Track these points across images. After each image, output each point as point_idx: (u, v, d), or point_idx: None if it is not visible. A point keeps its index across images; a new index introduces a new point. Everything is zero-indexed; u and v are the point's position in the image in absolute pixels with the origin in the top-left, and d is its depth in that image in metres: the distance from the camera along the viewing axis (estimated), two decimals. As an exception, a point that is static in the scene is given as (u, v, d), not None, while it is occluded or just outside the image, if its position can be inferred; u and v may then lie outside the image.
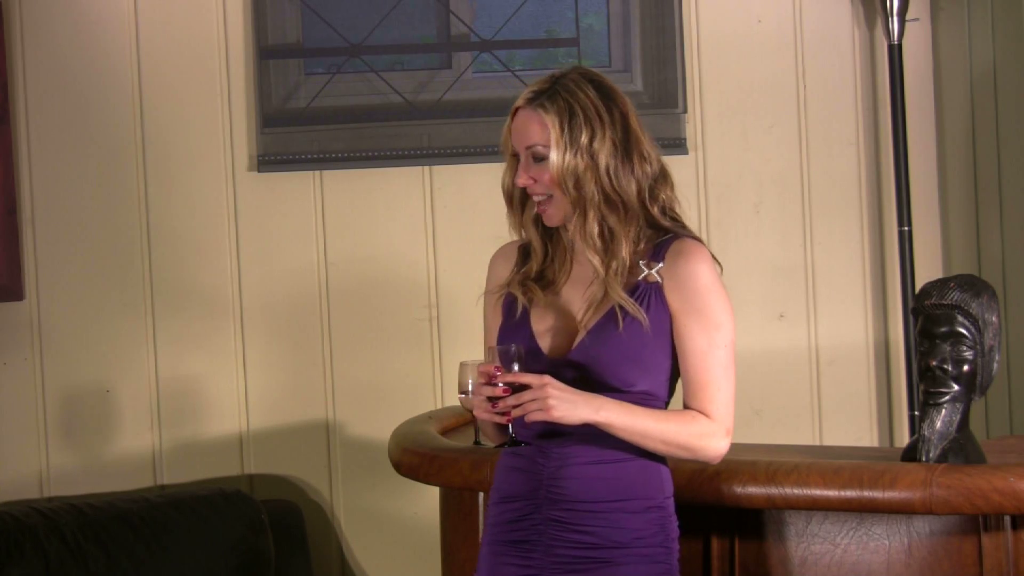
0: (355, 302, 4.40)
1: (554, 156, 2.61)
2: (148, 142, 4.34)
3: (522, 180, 2.65)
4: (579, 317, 2.67)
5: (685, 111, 4.45)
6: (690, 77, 4.47)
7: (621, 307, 2.62)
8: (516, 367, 2.57)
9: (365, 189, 4.41)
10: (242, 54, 4.37)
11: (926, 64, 4.55)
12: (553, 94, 2.64)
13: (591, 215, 2.63)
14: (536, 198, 2.67)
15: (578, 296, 2.69)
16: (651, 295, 2.63)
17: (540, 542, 2.66)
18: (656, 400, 2.65)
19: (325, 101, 4.38)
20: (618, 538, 2.62)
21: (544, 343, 2.68)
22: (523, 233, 2.76)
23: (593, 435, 2.61)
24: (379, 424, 4.12)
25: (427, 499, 4.00)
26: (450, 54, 4.47)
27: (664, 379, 2.65)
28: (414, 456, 3.25)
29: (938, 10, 4.52)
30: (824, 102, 4.52)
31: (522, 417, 2.55)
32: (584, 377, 2.62)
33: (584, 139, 2.61)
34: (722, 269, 2.68)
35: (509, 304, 2.75)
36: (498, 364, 2.57)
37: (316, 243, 4.39)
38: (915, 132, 4.50)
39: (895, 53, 4.41)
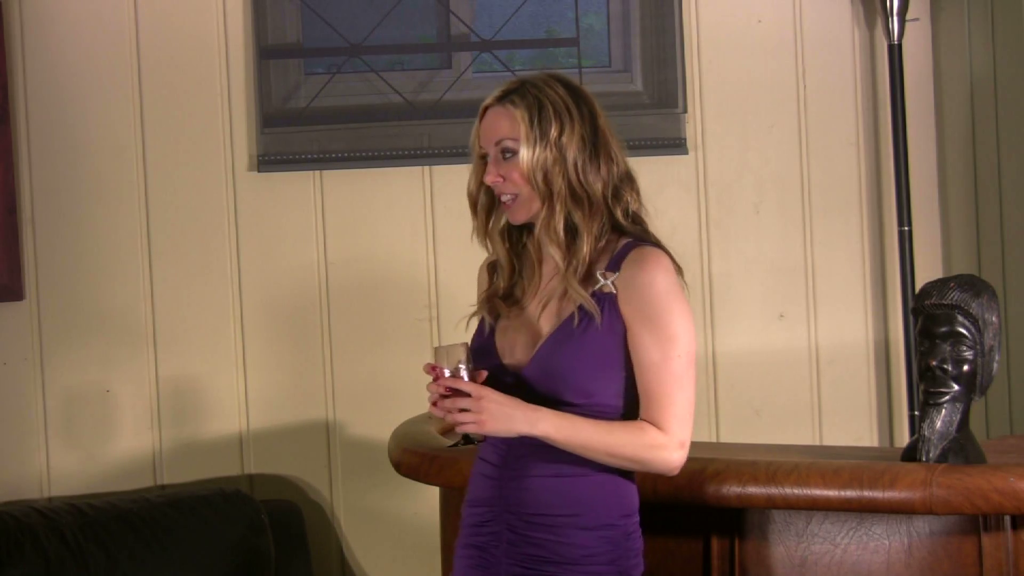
0: (355, 302, 4.40)
1: (523, 151, 2.61)
2: (148, 142, 4.34)
3: (491, 177, 2.65)
4: (543, 330, 2.67)
5: (685, 111, 4.45)
6: (690, 77, 4.47)
7: (579, 311, 2.60)
8: (462, 367, 2.57)
9: (365, 189, 4.41)
10: (242, 54, 4.37)
11: (926, 64, 4.55)
12: (522, 91, 2.65)
13: (558, 209, 2.62)
14: (504, 197, 2.66)
15: (541, 309, 2.68)
16: (605, 306, 2.61)
17: (499, 548, 2.66)
18: (614, 412, 2.62)
19: (325, 101, 4.38)
20: (567, 554, 2.61)
21: (507, 357, 2.68)
22: (488, 247, 2.75)
23: (553, 448, 2.60)
24: (379, 424, 4.11)
25: (427, 499, 4.00)
26: (450, 54, 4.47)
27: (621, 390, 2.62)
28: (414, 456, 3.25)
29: (938, 10, 4.52)
30: (824, 102, 4.52)
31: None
32: (541, 389, 2.61)
33: (553, 132, 2.62)
34: (683, 278, 2.65)
35: (481, 321, 2.76)
36: (439, 364, 2.58)
37: (316, 243, 4.40)
38: (915, 132, 4.50)
39: (895, 53, 4.41)
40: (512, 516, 2.65)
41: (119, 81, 4.33)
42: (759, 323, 4.50)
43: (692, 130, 4.48)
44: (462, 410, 2.56)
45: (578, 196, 2.63)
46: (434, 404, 2.59)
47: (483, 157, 2.69)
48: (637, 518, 2.67)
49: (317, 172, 4.39)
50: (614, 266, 2.63)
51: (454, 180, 4.41)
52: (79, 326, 4.31)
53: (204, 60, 4.36)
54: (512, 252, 2.74)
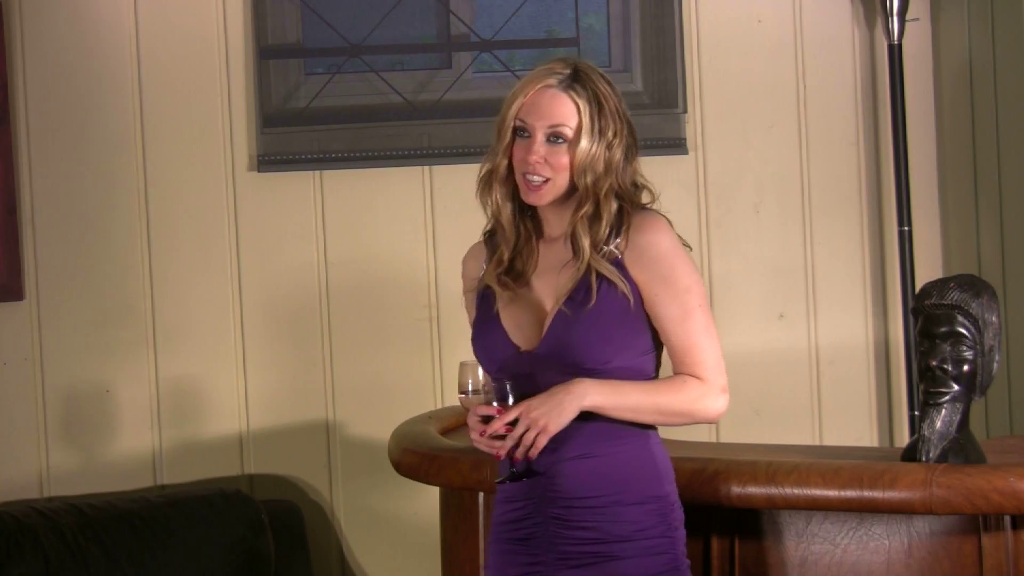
0: (355, 302, 4.40)
1: (584, 143, 2.64)
2: (148, 142, 4.34)
3: (535, 157, 2.65)
4: (547, 306, 2.69)
5: (685, 111, 4.45)
6: (690, 77, 4.47)
7: (586, 282, 2.63)
8: (511, 400, 2.61)
9: (365, 189, 4.41)
10: (242, 54, 4.37)
11: (926, 64, 4.55)
12: (583, 82, 2.67)
13: (603, 205, 2.66)
14: (534, 179, 2.66)
15: (547, 286, 2.71)
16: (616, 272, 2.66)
17: (544, 538, 2.68)
18: (638, 374, 2.66)
19: (325, 101, 4.38)
20: (618, 531, 2.64)
21: (516, 337, 2.70)
22: (499, 214, 2.74)
23: (580, 431, 2.62)
24: (379, 424, 4.12)
25: (427, 499, 3.99)
26: (450, 54, 4.47)
27: (643, 352, 2.66)
28: (414, 456, 3.25)
29: (938, 10, 4.52)
30: (824, 102, 4.52)
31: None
32: (558, 363, 2.63)
33: (610, 133, 2.66)
34: (690, 247, 2.72)
35: (481, 299, 2.77)
36: (496, 405, 2.61)
37: (316, 243, 4.39)
38: (915, 132, 4.50)
39: (895, 53, 4.41)
40: (553, 505, 2.66)
41: (119, 81, 4.33)
42: (759, 323, 4.50)
43: (692, 130, 4.48)
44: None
45: (619, 194, 2.68)
46: (495, 444, 2.61)
47: (515, 132, 2.70)
48: (675, 487, 2.70)
49: (317, 172, 4.39)
50: (615, 233, 2.67)
51: (454, 180, 4.41)
52: (79, 326, 4.31)
53: (204, 60, 4.36)
54: (517, 220, 2.75)
